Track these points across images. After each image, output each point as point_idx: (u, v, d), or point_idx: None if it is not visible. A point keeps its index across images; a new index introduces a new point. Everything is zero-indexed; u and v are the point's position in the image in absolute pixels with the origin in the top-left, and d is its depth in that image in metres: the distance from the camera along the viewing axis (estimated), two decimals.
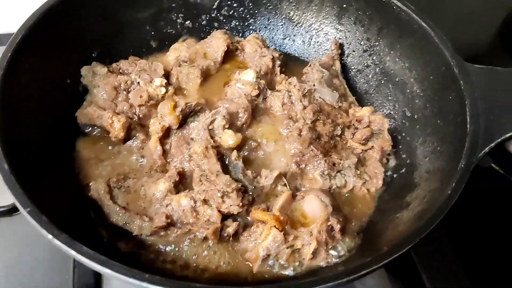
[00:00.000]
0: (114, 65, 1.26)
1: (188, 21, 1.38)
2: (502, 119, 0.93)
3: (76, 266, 1.07)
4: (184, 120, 1.14)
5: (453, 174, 0.89)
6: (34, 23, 1.07)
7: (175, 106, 1.12)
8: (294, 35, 1.39)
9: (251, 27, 1.41)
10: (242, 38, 1.38)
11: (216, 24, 1.40)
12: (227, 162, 1.07)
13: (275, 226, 0.96)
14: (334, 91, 1.23)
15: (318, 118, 1.16)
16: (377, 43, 1.25)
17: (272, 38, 1.41)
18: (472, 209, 1.20)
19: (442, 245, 1.14)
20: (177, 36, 1.38)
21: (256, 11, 1.39)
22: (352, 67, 1.32)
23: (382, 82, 1.25)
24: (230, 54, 1.33)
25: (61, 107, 1.14)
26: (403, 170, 1.12)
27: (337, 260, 0.98)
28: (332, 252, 0.99)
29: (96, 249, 0.79)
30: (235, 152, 1.07)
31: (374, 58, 1.26)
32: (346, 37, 1.32)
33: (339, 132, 1.16)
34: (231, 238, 1.00)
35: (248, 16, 1.40)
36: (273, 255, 0.97)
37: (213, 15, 1.39)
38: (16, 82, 1.01)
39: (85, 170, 1.11)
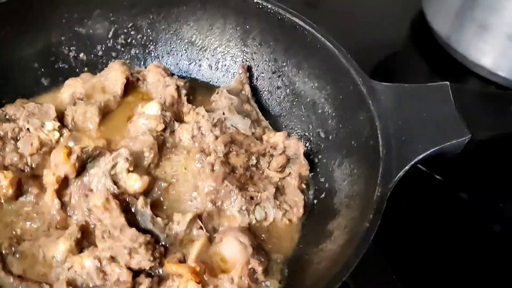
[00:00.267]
0: None
1: (82, 54, 1.27)
2: (413, 140, 0.91)
3: None
4: (82, 167, 1.03)
5: (370, 201, 0.85)
6: None
7: (69, 153, 1.00)
8: (199, 60, 1.32)
9: (152, 54, 1.32)
10: (144, 67, 1.29)
11: (114, 54, 1.30)
12: (134, 211, 0.97)
13: (191, 279, 0.88)
14: (246, 117, 1.17)
15: (231, 149, 1.09)
16: (284, 64, 1.21)
17: (177, 64, 1.33)
18: (401, 211, 1.18)
19: (373, 258, 1.11)
20: (72, 71, 1.26)
21: (156, 38, 1.30)
22: (263, 90, 1.27)
23: (294, 103, 1.21)
24: (131, 86, 1.24)
25: None
26: (323, 195, 1.08)
27: None
28: None
29: None
30: (141, 199, 0.97)
31: (284, 79, 1.22)
32: (253, 59, 1.27)
33: (254, 162, 1.10)
34: None
35: (148, 43, 1.31)
36: None
37: (109, 44, 1.29)
38: None
39: None
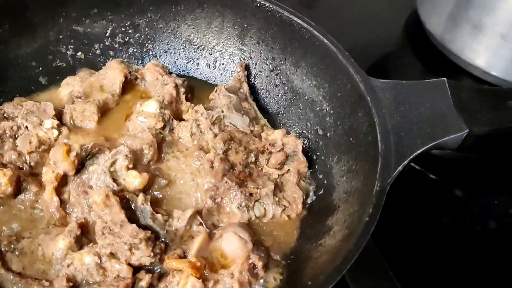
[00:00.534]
0: None
1: (80, 52, 1.27)
2: (411, 135, 0.92)
3: None
4: (81, 164, 1.03)
5: (369, 196, 0.86)
6: None
7: (68, 151, 1.00)
8: (197, 59, 1.32)
9: (150, 53, 1.32)
10: (142, 66, 1.29)
11: (111, 53, 1.30)
12: (134, 207, 0.97)
13: (192, 273, 0.88)
14: (244, 115, 1.18)
15: (230, 146, 1.09)
16: (282, 62, 1.21)
17: (175, 62, 1.33)
18: (397, 210, 1.18)
19: (371, 256, 1.12)
20: (69, 70, 1.26)
21: (153, 36, 1.30)
22: (261, 88, 1.27)
23: (292, 101, 1.21)
24: (130, 84, 1.24)
25: None
26: (322, 192, 1.08)
27: None
28: None
29: None
30: (141, 196, 0.97)
31: (282, 77, 1.22)
32: (251, 58, 1.27)
33: (253, 159, 1.10)
34: None
35: (145, 42, 1.31)
36: None
37: (107, 43, 1.29)
38: None
39: None
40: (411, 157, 0.89)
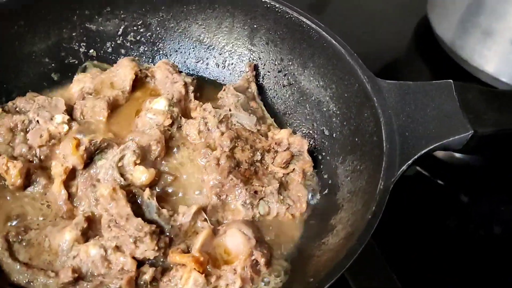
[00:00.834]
0: (9, 103, 1.15)
1: (92, 50, 1.29)
2: (417, 135, 0.92)
3: None
4: (90, 158, 1.05)
5: (373, 195, 0.86)
6: None
7: (78, 145, 1.02)
8: (207, 58, 1.34)
9: (161, 52, 1.34)
10: (152, 64, 1.31)
11: (123, 51, 1.32)
12: (140, 202, 0.99)
13: (195, 268, 0.89)
14: (252, 114, 1.19)
15: (236, 144, 1.10)
16: (290, 63, 1.22)
17: (185, 62, 1.35)
18: (402, 214, 1.19)
19: (374, 258, 1.12)
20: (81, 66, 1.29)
21: (164, 36, 1.32)
22: (269, 88, 1.28)
23: (299, 101, 1.22)
24: (140, 82, 1.25)
25: None
26: (326, 191, 1.09)
27: None
28: (260, 286, 0.94)
29: None
30: (147, 191, 0.99)
31: (289, 78, 1.23)
32: (260, 58, 1.28)
33: (259, 158, 1.11)
34: (149, 286, 0.91)
35: (156, 41, 1.33)
36: None
37: (118, 41, 1.31)
38: None
39: None
40: (416, 156, 0.89)
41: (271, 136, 1.16)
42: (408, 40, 1.72)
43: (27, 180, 1.03)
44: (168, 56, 1.34)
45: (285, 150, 1.11)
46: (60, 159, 1.04)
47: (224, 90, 1.22)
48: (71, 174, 1.03)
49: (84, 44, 1.29)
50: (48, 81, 1.25)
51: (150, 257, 0.92)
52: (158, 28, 1.32)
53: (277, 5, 1.18)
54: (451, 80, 0.97)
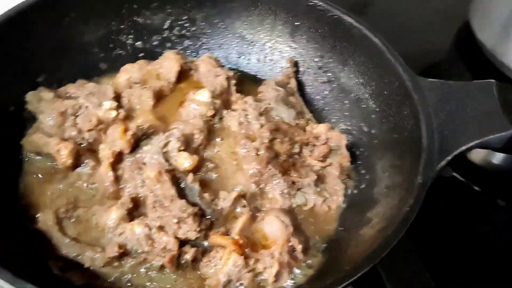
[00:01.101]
0: (61, 89, 1.20)
1: (139, 42, 1.34)
2: (456, 133, 0.94)
3: None
4: (136, 143, 1.10)
5: (411, 190, 0.88)
6: None
7: (126, 130, 1.07)
8: (248, 54, 1.37)
9: (204, 47, 1.38)
10: (196, 58, 1.35)
11: (168, 44, 1.37)
12: (183, 186, 1.03)
13: (234, 250, 0.92)
14: (291, 108, 1.22)
15: (276, 136, 1.14)
16: (331, 60, 1.25)
17: (227, 57, 1.39)
18: (439, 218, 1.21)
19: (409, 258, 1.13)
20: (128, 58, 1.33)
21: (209, 31, 1.37)
22: (308, 84, 1.31)
23: (338, 98, 1.25)
24: (184, 74, 1.29)
25: (4, 136, 1.08)
26: (363, 186, 1.11)
27: (302, 281, 0.95)
28: (296, 273, 0.96)
29: (45, 284, 0.74)
30: (191, 175, 1.03)
31: (329, 74, 1.26)
32: (300, 55, 1.31)
33: (297, 150, 1.14)
34: (189, 265, 0.95)
35: (201, 36, 1.37)
36: (234, 281, 0.93)
37: (164, 35, 1.36)
38: None
39: (32, 202, 1.04)
40: (455, 153, 0.91)
41: (309, 130, 1.18)
42: (449, 44, 1.72)
43: (77, 161, 1.09)
44: (212, 50, 1.38)
45: (323, 144, 1.14)
46: (108, 142, 1.08)
47: (265, 84, 1.26)
48: (118, 158, 1.08)
49: (131, 36, 1.34)
50: (97, 70, 1.31)
51: (192, 238, 0.96)
52: (202, 24, 1.36)
53: (319, 4, 1.22)
54: (493, 80, 0.98)
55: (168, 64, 1.27)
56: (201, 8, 1.34)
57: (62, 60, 1.25)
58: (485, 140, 0.93)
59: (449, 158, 0.91)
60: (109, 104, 1.16)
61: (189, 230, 0.94)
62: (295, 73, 1.31)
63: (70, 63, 1.27)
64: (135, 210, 1.01)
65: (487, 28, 1.53)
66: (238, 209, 1.03)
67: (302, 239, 0.98)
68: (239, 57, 1.38)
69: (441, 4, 1.83)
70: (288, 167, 1.11)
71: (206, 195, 1.01)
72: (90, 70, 1.30)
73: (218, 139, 1.16)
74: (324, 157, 1.13)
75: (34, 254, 0.94)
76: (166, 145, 1.08)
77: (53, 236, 0.97)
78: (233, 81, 1.26)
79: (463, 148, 0.92)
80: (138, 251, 0.96)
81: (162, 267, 0.95)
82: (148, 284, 0.95)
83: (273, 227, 0.98)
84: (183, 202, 0.96)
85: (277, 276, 0.93)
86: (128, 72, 1.28)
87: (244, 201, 1.03)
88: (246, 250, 0.95)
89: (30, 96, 1.15)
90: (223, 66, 1.31)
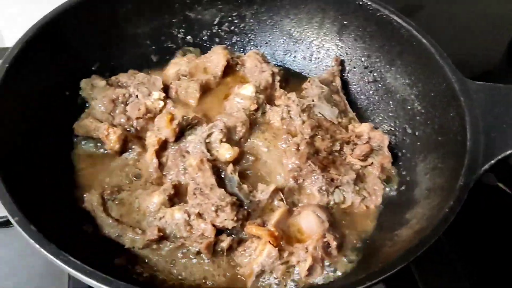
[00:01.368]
0: (113, 78, 1.25)
1: (189, 36, 1.38)
2: (503, 136, 0.91)
3: (71, 278, 1.05)
4: (181, 133, 1.13)
5: (452, 192, 0.87)
6: (33, 37, 1.07)
7: (172, 119, 1.11)
8: (295, 51, 1.39)
9: (252, 43, 1.41)
10: (243, 53, 1.37)
11: (217, 40, 1.40)
12: (223, 176, 1.05)
13: (269, 241, 0.94)
14: (334, 106, 1.22)
15: (317, 133, 1.14)
16: (378, 60, 1.24)
17: (273, 53, 1.41)
18: (478, 226, 1.18)
19: (445, 261, 1.12)
20: (178, 51, 1.38)
21: (257, 28, 1.39)
22: (353, 83, 1.31)
23: (383, 98, 1.24)
24: (231, 69, 1.32)
25: (58, 118, 1.13)
26: (403, 187, 1.10)
27: (334, 277, 0.95)
28: (329, 269, 0.97)
29: (87, 261, 0.77)
30: (231, 166, 1.05)
31: (375, 74, 1.25)
32: (347, 54, 1.31)
33: (338, 148, 1.14)
34: (225, 253, 0.97)
35: (249, 32, 1.40)
36: (267, 271, 0.95)
37: (214, 30, 1.39)
38: (14, 92, 1.01)
39: (79, 182, 1.10)
40: (500, 156, 0.89)
41: (351, 129, 1.18)
42: (499, 54, 1.67)
43: (124, 147, 1.13)
44: (258, 47, 1.40)
45: (364, 143, 1.13)
46: (155, 130, 1.13)
47: (309, 81, 1.27)
48: (163, 145, 1.11)
49: (182, 30, 1.37)
50: (147, 62, 1.35)
51: (229, 227, 0.98)
52: (251, 20, 1.38)
53: (368, 3, 1.21)
54: None
55: (215, 59, 1.31)
56: (250, 5, 1.36)
57: (116, 50, 1.30)
58: None
59: (493, 161, 0.89)
60: (157, 94, 1.20)
61: (227, 218, 0.96)
62: (340, 72, 1.31)
63: (123, 54, 1.32)
64: (176, 196, 1.04)
65: None
66: (275, 202, 1.04)
67: (338, 236, 0.98)
68: (285, 54, 1.40)
69: (494, 11, 1.77)
70: (327, 164, 1.11)
71: (245, 186, 1.03)
72: (142, 61, 1.35)
73: (259, 133, 1.18)
74: (365, 156, 1.13)
75: (78, 232, 0.99)
76: (209, 136, 1.10)
77: (97, 216, 1.01)
78: (278, 77, 1.28)
79: (509, 152, 0.89)
80: (177, 236, 0.99)
81: (198, 253, 0.97)
82: (183, 268, 0.97)
83: (309, 222, 0.98)
84: (222, 191, 0.98)
85: (310, 270, 0.94)
86: (177, 65, 1.32)
87: (281, 195, 1.04)
88: (281, 242, 0.96)
89: (84, 83, 1.21)
90: (269, 62, 1.33)
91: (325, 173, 1.08)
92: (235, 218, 0.97)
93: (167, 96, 1.23)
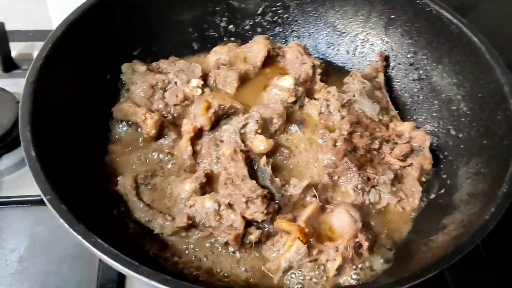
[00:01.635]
0: (153, 63, 1.26)
1: (232, 25, 1.37)
2: None
3: (101, 261, 1.06)
4: (216, 122, 1.12)
5: (494, 199, 0.82)
6: (78, 18, 1.08)
7: (208, 107, 1.10)
8: (338, 44, 1.35)
9: (294, 34, 1.38)
10: (285, 45, 1.35)
11: (259, 30, 1.38)
12: (255, 168, 1.04)
13: (299, 237, 0.92)
14: (375, 103, 1.18)
15: (356, 130, 1.11)
16: (424, 57, 1.19)
17: (316, 46, 1.38)
18: None
19: (481, 266, 1.07)
20: (219, 40, 1.37)
21: (300, 19, 1.36)
22: (397, 80, 1.27)
23: (428, 97, 1.19)
24: (271, 59, 1.30)
25: (97, 101, 1.15)
26: (443, 191, 1.05)
27: (363, 278, 0.92)
28: (359, 269, 0.94)
29: (114, 244, 0.77)
30: (264, 158, 1.04)
31: (421, 72, 1.20)
32: (392, 49, 1.27)
33: (376, 146, 1.10)
34: (253, 246, 0.96)
35: (292, 23, 1.37)
36: (294, 268, 0.93)
37: (257, 20, 1.37)
38: (56, 71, 1.02)
39: (114, 165, 1.11)
40: None
41: (392, 128, 1.14)
42: None
43: (160, 133, 1.14)
44: (301, 38, 1.38)
45: (405, 143, 1.09)
46: (191, 118, 1.13)
47: (351, 76, 1.23)
48: (198, 134, 1.11)
49: (225, 19, 1.37)
50: (188, 49, 1.36)
51: (258, 220, 0.96)
52: (295, 11, 1.36)
53: None
54: None
55: (256, 49, 1.29)
56: None
57: (158, 36, 1.31)
58: None
59: None
60: (196, 82, 1.20)
61: (257, 211, 0.95)
62: (385, 68, 1.27)
63: (165, 40, 1.32)
64: (207, 185, 1.04)
65: None
66: (308, 198, 1.02)
67: (370, 237, 0.95)
68: (328, 47, 1.36)
69: None
70: (364, 162, 1.07)
71: (277, 179, 1.01)
72: (183, 48, 1.35)
73: (296, 126, 1.16)
74: (405, 157, 1.09)
75: (110, 214, 1.00)
76: (244, 126, 1.09)
77: (129, 199, 1.02)
78: (319, 70, 1.25)
79: None
80: (206, 225, 0.98)
81: (226, 244, 0.97)
82: (210, 258, 0.97)
83: (342, 221, 0.96)
84: (253, 182, 0.97)
85: (339, 270, 0.92)
86: (218, 54, 1.31)
87: (314, 191, 1.02)
88: (310, 239, 0.94)
89: (125, 67, 1.22)
90: (310, 54, 1.31)
91: (361, 171, 1.05)
92: (265, 211, 0.95)
93: (205, 84, 1.22)
